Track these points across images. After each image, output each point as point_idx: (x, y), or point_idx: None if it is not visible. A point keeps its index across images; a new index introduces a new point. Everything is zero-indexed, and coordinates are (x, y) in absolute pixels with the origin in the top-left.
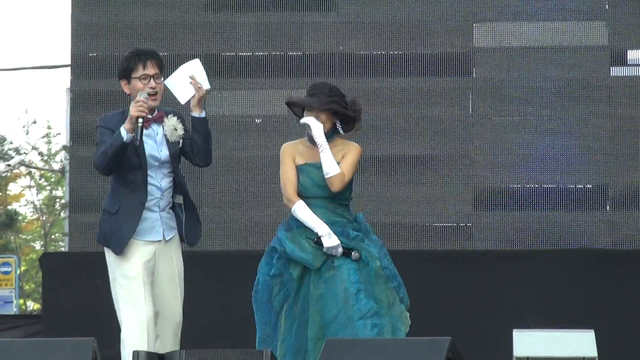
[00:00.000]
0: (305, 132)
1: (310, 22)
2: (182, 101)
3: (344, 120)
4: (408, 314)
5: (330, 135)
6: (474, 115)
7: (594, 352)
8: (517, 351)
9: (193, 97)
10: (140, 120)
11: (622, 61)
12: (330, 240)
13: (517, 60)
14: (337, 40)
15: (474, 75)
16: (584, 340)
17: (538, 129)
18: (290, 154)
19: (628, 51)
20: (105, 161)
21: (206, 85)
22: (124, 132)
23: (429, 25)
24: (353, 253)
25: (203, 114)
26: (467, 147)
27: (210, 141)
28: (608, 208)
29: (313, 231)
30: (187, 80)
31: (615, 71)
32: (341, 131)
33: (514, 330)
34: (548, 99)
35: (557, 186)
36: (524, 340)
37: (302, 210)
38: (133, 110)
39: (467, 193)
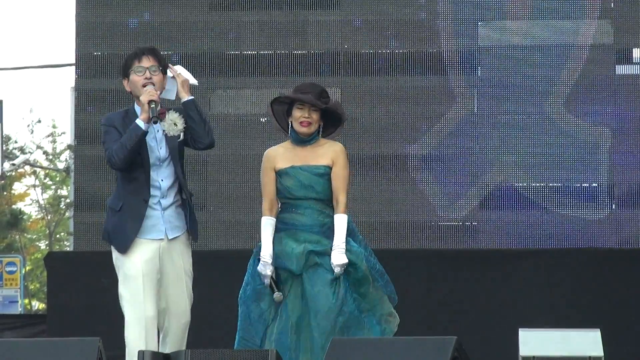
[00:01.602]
0: (287, 136)
1: (314, 20)
2: (172, 97)
3: (325, 124)
4: (396, 313)
5: (314, 136)
6: (479, 114)
7: (600, 352)
8: (523, 350)
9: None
10: (153, 104)
11: (627, 59)
12: (262, 267)
13: (522, 58)
14: (341, 39)
15: (479, 74)
16: (590, 340)
17: (543, 127)
18: (271, 163)
19: (633, 49)
20: (125, 153)
21: (192, 80)
22: (141, 122)
23: (434, 23)
24: (275, 295)
25: (191, 97)
26: (472, 145)
27: (205, 122)
28: (614, 207)
29: (297, 235)
30: (169, 81)
31: (621, 69)
32: (319, 135)
33: (519, 329)
34: (553, 98)
35: (562, 185)
36: (530, 340)
37: (264, 227)
38: (144, 97)
39: (472, 192)
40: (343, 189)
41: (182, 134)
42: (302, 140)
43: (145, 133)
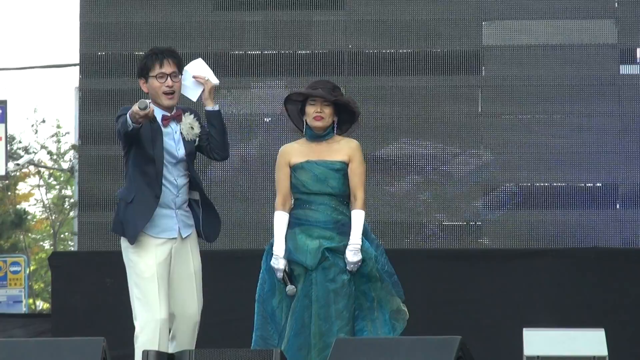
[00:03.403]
0: (302, 134)
1: (318, 20)
2: (194, 99)
3: (340, 120)
4: (405, 309)
5: (329, 132)
6: (483, 114)
7: (604, 351)
8: (528, 350)
9: (202, 92)
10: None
11: (631, 59)
12: (276, 261)
13: (526, 58)
14: (345, 39)
15: (483, 74)
16: (595, 339)
17: (547, 127)
18: (285, 159)
19: (637, 49)
20: (121, 136)
21: (214, 80)
22: (129, 120)
23: (438, 23)
24: (288, 288)
25: (216, 107)
26: (476, 145)
27: (226, 134)
28: (618, 206)
29: (311, 231)
30: (192, 79)
31: (625, 69)
32: (335, 132)
33: (524, 329)
34: (557, 97)
35: (566, 185)
36: (534, 339)
37: (277, 221)
38: (131, 114)
39: (476, 191)
40: (360, 185)
41: (197, 140)
42: (317, 136)
43: (133, 131)
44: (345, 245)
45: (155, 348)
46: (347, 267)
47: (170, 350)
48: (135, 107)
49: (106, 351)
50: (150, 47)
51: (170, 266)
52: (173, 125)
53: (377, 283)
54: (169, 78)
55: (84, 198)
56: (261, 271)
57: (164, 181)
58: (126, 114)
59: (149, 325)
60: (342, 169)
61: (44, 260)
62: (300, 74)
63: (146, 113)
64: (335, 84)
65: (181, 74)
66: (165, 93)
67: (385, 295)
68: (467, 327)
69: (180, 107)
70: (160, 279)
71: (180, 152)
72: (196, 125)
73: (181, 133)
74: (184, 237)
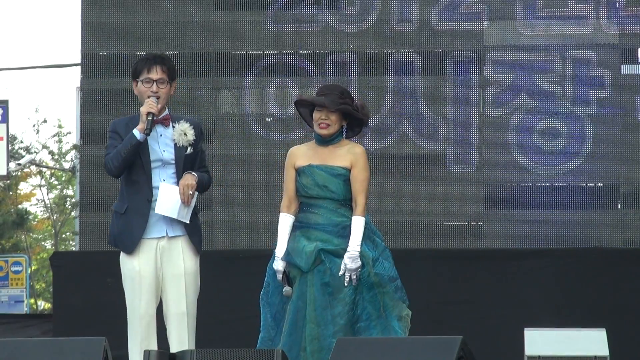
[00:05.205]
0: (312, 135)
1: (320, 20)
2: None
3: (350, 124)
4: (409, 313)
5: (337, 137)
6: (484, 114)
7: (605, 351)
8: (529, 350)
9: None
10: (150, 117)
11: (632, 59)
12: (276, 263)
13: (527, 58)
14: (347, 39)
15: (484, 74)
16: (596, 339)
17: (549, 127)
18: (292, 162)
19: (639, 49)
20: (118, 161)
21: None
22: (137, 132)
23: (440, 23)
24: (285, 288)
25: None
26: (478, 145)
27: (206, 187)
28: (619, 207)
29: (310, 233)
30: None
31: (626, 69)
32: (344, 135)
33: (525, 329)
34: (558, 98)
35: (568, 185)
36: (535, 339)
37: (281, 224)
38: (143, 108)
39: (478, 192)
40: (362, 191)
41: (190, 147)
42: (324, 141)
43: (140, 143)
44: (344, 249)
45: (137, 344)
46: (347, 273)
47: (154, 346)
48: (144, 107)
49: (107, 351)
50: (151, 47)
51: (159, 264)
52: (160, 128)
53: (379, 288)
54: (154, 84)
55: (85, 198)
56: (266, 274)
57: (151, 183)
58: (112, 145)
59: (133, 321)
60: (343, 175)
61: (46, 260)
62: (301, 74)
63: (154, 106)
64: (344, 89)
65: (171, 80)
66: (149, 97)
67: (390, 301)
68: (468, 327)
69: (172, 113)
70: (144, 277)
71: (167, 155)
72: (190, 132)
73: (173, 140)
74: (170, 235)
